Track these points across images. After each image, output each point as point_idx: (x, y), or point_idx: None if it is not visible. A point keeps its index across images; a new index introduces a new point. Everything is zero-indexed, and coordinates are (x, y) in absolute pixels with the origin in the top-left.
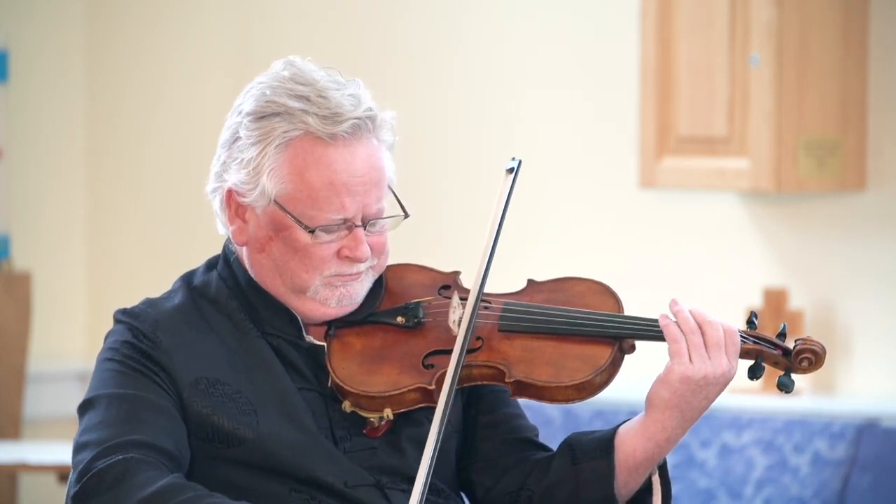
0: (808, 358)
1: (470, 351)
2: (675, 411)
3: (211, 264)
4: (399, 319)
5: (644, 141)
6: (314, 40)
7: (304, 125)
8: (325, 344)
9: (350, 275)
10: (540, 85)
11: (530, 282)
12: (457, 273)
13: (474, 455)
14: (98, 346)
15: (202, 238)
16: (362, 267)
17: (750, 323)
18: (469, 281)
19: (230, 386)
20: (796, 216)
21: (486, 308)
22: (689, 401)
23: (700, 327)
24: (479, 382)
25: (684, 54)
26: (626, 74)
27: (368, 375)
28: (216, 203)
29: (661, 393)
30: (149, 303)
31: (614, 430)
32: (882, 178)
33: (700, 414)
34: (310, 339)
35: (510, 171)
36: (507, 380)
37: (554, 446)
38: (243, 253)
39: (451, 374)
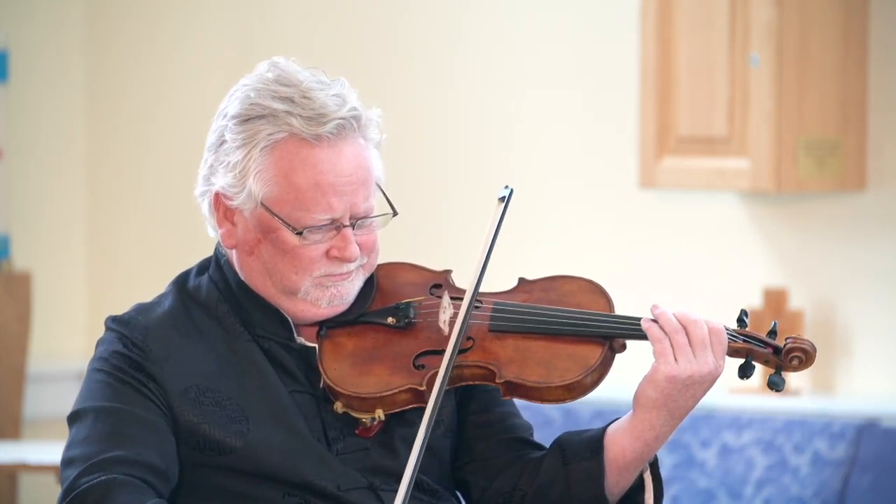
0: (798, 356)
1: (461, 351)
2: (662, 410)
3: (203, 267)
4: (390, 320)
5: (644, 141)
6: (314, 40)
7: (289, 127)
8: (316, 345)
9: (340, 274)
10: (540, 85)
11: (521, 280)
12: (448, 272)
13: (469, 455)
14: None
15: (202, 238)
16: (352, 266)
17: (740, 321)
18: (461, 281)
19: (220, 393)
20: (796, 216)
21: (476, 308)
22: (675, 400)
23: (684, 327)
24: (470, 382)
25: (684, 54)
26: (626, 74)
27: (360, 376)
28: (205, 207)
29: (648, 392)
30: (139, 309)
31: (603, 430)
32: (882, 178)
33: (688, 412)
34: (301, 340)
35: (501, 199)
36: (497, 380)
37: None
38: (233, 256)
39: (441, 376)
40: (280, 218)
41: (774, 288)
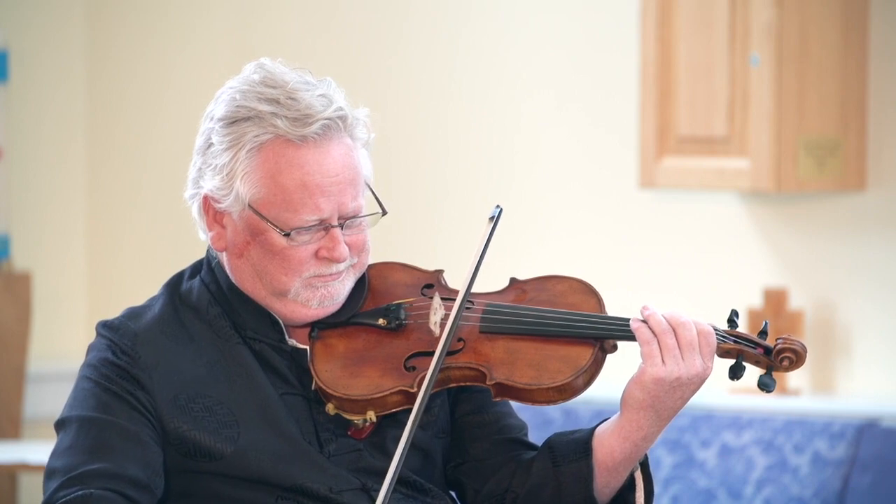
0: (788, 357)
1: (451, 353)
2: (649, 411)
3: (196, 269)
4: (381, 321)
5: (644, 141)
6: (314, 41)
7: (274, 128)
8: (307, 347)
9: (330, 275)
10: (540, 85)
11: (513, 280)
12: (440, 272)
13: (463, 456)
14: None
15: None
16: (342, 266)
17: (731, 322)
18: (452, 280)
19: (211, 398)
20: (796, 216)
21: (467, 309)
22: (663, 401)
23: (673, 328)
24: (461, 384)
25: (684, 54)
26: (626, 74)
27: (351, 378)
28: (194, 210)
29: (635, 394)
30: (129, 314)
31: (591, 431)
32: (882, 178)
33: (676, 412)
34: (292, 342)
35: (491, 218)
36: (488, 382)
37: None
38: (224, 258)
39: (428, 379)
40: (268, 220)
41: (774, 288)
